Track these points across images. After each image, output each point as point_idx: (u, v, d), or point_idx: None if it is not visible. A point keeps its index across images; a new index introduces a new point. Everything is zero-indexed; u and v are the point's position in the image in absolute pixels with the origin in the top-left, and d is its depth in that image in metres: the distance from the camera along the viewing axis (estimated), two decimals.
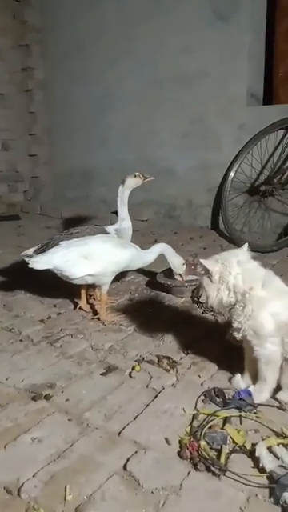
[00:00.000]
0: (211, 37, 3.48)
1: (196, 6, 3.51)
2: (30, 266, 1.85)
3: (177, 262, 2.22)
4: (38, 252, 2.11)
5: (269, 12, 3.51)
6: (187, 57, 3.64)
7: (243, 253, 1.37)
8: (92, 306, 2.15)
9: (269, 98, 3.69)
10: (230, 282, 1.31)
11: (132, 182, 2.25)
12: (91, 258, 1.91)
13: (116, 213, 4.04)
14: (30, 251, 2.13)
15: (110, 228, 2.26)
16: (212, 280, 1.34)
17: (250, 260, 1.36)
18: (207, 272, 1.35)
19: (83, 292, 2.14)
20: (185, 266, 2.25)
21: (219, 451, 1.14)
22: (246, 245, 1.42)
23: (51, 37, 4.56)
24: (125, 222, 2.28)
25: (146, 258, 2.12)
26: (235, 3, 3.33)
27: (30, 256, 2.11)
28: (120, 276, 2.37)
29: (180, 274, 2.24)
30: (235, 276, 1.31)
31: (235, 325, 1.35)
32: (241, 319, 1.33)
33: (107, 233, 2.20)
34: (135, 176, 2.24)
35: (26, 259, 2.12)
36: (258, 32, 3.46)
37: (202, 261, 1.35)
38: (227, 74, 3.47)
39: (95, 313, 2.08)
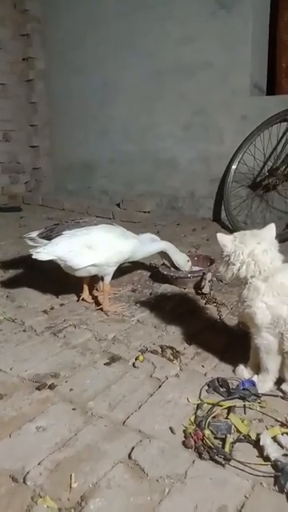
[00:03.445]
0: (213, 26, 3.44)
1: None
2: (34, 256, 1.84)
3: (181, 260, 2.25)
4: (41, 236, 2.12)
5: (272, 2, 3.47)
6: (189, 47, 3.60)
7: (269, 239, 1.33)
8: (95, 298, 2.14)
9: (272, 88, 3.66)
10: (235, 267, 1.31)
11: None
12: (95, 248, 1.91)
13: (119, 205, 4.07)
14: (34, 234, 2.14)
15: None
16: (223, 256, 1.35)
17: (267, 249, 1.30)
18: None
19: (85, 284, 2.13)
20: (190, 263, 2.26)
21: (223, 440, 1.15)
22: (273, 225, 1.36)
23: (52, 27, 4.51)
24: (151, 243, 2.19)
25: (148, 249, 2.14)
26: None
27: (32, 239, 2.12)
28: (122, 267, 2.37)
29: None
30: (241, 261, 1.30)
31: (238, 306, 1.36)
32: (239, 303, 1.36)
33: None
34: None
35: (29, 242, 2.13)
36: (261, 21, 3.42)
37: (218, 235, 1.34)
38: (230, 65, 3.44)
39: (98, 304, 2.07)
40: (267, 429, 1.19)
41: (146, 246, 2.12)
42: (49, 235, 2.12)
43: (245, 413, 1.28)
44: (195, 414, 1.27)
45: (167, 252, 2.21)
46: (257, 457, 1.10)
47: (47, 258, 1.86)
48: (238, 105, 3.45)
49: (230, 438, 1.15)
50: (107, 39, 4.10)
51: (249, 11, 3.28)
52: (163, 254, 2.26)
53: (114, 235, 2.01)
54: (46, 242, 2.11)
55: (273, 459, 1.07)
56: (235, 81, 3.44)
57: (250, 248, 1.29)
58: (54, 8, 4.44)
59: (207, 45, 3.50)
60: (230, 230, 3.33)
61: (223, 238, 1.33)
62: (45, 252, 1.86)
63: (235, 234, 1.36)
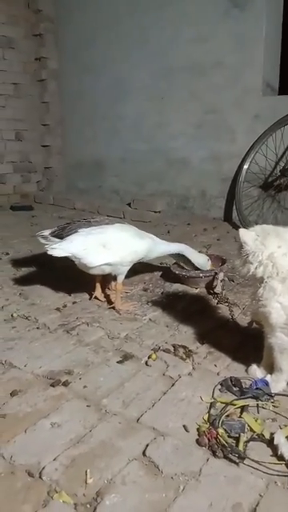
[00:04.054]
0: (226, 25, 3.44)
1: None
2: (49, 252, 1.86)
3: (202, 260, 2.24)
4: (53, 234, 2.14)
5: (285, 1, 3.46)
6: (201, 46, 3.60)
7: None
8: (107, 296, 2.16)
9: (284, 88, 3.64)
10: (252, 266, 1.30)
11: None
12: (110, 247, 1.93)
13: (129, 205, 4.09)
14: (46, 232, 2.16)
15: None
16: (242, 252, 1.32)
17: (287, 253, 1.27)
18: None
19: (98, 282, 2.15)
20: (210, 262, 2.27)
21: (237, 439, 1.15)
22: None
23: (64, 26, 4.54)
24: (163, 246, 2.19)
25: (162, 249, 2.14)
26: None
27: (45, 237, 2.15)
28: (134, 266, 2.38)
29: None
30: (259, 262, 1.28)
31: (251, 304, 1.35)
32: (254, 301, 1.35)
33: None
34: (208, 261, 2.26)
35: (41, 240, 2.16)
36: (275, 20, 3.42)
37: (241, 230, 1.31)
38: (242, 64, 3.43)
39: (110, 302, 2.09)
40: (281, 428, 1.19)
41: (160, 245, 2.13)
42: (60, 234, 2.14)
43: (258, 412, 1.28)
44: (208, 412, 1.27)
45: (184, 254, 2.21)
46: (270, 456, 1.10)
47: (62, 255, 1.88)
48: (250, 104, 3.44)
49: (243, 437, 1.15)
50: (119, 38, 4.12)
51: (262, 10, 3.28)
52: (178, 257, 2.26)
53: (130, 234, 2.02)
54: (57, 240, 2.13)
55: (287, 458, 1.07)
56: (247, 80, 3.43)
57: (270, 250, 1.27)
58: (66, 8, 4.47)
59: (219, 44, 3.50)
60: None
61: (245, 235, 1.29)
62: (60, 248, 1.88)
63: (257, 229, 1.32)
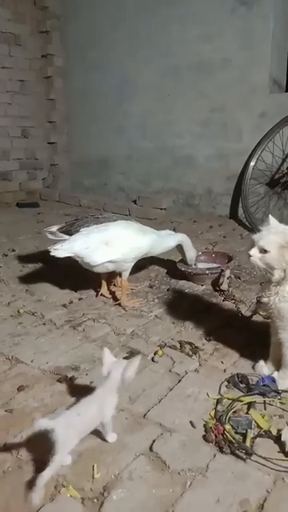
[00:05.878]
0: (233, 23, 3.42)
1: None
2: (52, 253, 1.86)
3: (193, 255, 2.26)
4: (61, 230, 2.14)
5: None
6: (208, 44, 3.58)
7: None
8: (112, 293, 2.16)
9: None
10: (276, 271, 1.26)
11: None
12: (112, 245, 1.92)
13: (135, 202, 4.08)
14: (54, 228, 2.17)
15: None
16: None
17: None
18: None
19: (104, 279, 2.15)
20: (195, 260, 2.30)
21: (244, 435, 1.15)
22: None
23: (71, 24, 4.53)
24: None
25: (167, 243, 2.14)
26: None
27: (53, 233, 2.15)
28: (140, 263, 2.38)
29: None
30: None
31: (265, 300, 1.32)
32: (272, 297, 1.31)
33: None
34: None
35: (49, 235, 2.17)
36: (282, 18, 3.39)
37: (260, 236, 1.27)
38: (249, 62, 3.41)
39: (116, 299, 2.09)
40: None
41: (164, 240, 2.12)
42: (68, 230, 2.14)
43: (265, 409, 1.28)
44: (215, 408, 1.27)
45: (182, 244, 2.21)
46: (278, 452, 1.10)
47: (65, 255, 1.88)
48: (257, 102, 3.43)
49: (250, 433, 1.15)
50: (126, 37, 4.11)
51: (269, 7, 3.26)
52: (179, 248, 2.26)
53: (132, 231, 2.02)
54: (65, 236, 2.13)
55: None
56: (254, 78, 3.41)
57: None
58: (73, 5, 4.46)
59: (226, 42, 3.49)
60: (248, 228, 3.32)
61: (265, 239, 1.24)
62: (63, 249, 1.88)
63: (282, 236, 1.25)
